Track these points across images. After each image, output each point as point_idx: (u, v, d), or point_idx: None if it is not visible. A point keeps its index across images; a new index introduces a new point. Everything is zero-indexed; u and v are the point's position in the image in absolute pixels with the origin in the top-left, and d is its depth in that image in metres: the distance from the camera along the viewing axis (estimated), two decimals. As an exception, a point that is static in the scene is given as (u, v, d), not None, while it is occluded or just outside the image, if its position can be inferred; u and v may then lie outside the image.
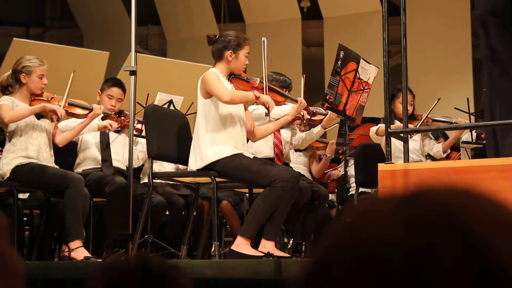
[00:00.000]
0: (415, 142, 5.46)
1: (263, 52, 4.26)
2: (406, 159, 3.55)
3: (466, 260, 0.58)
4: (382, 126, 5.18)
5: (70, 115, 4.64)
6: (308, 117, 4.74)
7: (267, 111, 4.05)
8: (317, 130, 4.98)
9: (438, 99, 5.37)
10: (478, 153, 5.79)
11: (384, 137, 5.15)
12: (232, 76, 4.16)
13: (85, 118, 4.61)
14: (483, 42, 3.30)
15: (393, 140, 3.55)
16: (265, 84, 4.23)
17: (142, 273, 1.22)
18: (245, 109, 4.25)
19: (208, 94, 4.05)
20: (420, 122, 5.39)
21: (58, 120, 4.55)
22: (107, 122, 4.78)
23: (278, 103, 4.45)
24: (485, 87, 3.30)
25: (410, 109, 5.43)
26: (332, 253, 0.61)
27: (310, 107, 4.78)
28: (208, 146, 4.04)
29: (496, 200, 0.63)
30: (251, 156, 4.15)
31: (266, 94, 4.17)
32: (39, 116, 4.49)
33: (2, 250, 0.88)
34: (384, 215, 0.61)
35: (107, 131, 4.87)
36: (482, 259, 0.58)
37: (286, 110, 4.54)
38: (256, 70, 4.41)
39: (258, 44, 4.36)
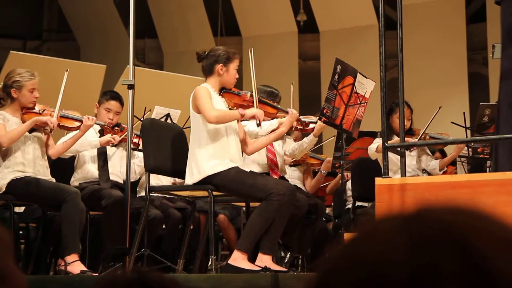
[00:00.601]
0: (411, 157, 5.46)
1: (251, 63, 4.31)
2: (403, 173, 3.56)
3: (467, 279, 0.58)
4: (381, 143, 5.15)
5: (62, 128, 4.61)
6: (301, 127, 4.75)
7: (258, 123, 4.10)
8: (309, 139, 4.98)
9: (439, 108, 5.36)
10: (474, 167, 5.80)
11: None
12: (223, 91, 4.20)
13: (78, 131, 4.59)
14: (505, 54, 3.28)
15: (390, 154, 3.55)
16: (255, 97, 4.26)
17: (141, 289, 1.22)
18: (238, 121, 4.27)
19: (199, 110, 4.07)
20: (419, 136, 5.39)
21: (51, 131, 4.52)
22: (109, 136, 4.76)
23: (270, 115, 4.48)
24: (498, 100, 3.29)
25: (408, 123, 5.43)
26: (335, 271, 0.61)
27: (302, 118, 4.81)
28: (204, 160, 4.04)
29: (499, 219, 0.64)
30: (248, 170, 4.15)
31: (256, 107, 4.21)
32: (31, 129, 4.47)
33: (6, 266, 0.88)
34: (388, 233, 0.61)
35: (111, 145, 4.85)
36: (484, 277, 0.58)
37: (273, 125, 4.55)
38: (247, 83, 4.43)
39: (254, 55, 4.40)
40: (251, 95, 4.27)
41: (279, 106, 4.60)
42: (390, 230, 0.61)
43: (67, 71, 4.63)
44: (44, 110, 4.49)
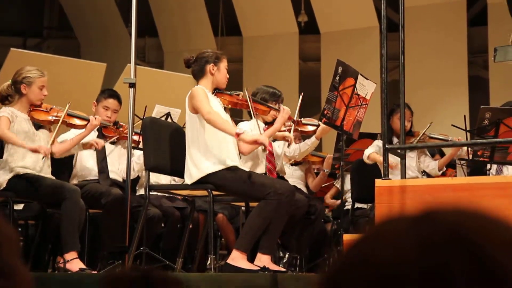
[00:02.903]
0: (411, 158, 5.46)
1: (249, 102, 4.34)
2: (403, 175, 3.57)
3: (477, 279, 0.59)
4: (373, 152, 5.24)
5: (69, 125, 4.64)
6: (292, 124, 4.77)
7: (263, 148, 4.18)
8: (311, 141, 4.99)
9: (430, 123, 5.43)
10: (474, 170, 5.80)
11: (372, 163, 5.22)
12: (216, 91, 4.22)
13: (83, 130, 4.61)
14: None
15: (390, 155, 3.56)
16: (250, 102, 4.30)
17: (145, 287, 1.22)
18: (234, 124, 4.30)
19: (196, 110, 4.08)
20: (417, 139, 5.40)
21: (95, 149, 4.67)
22: (93, 140, 4.71)
23: (263, 113, 4.52)
24: None
25: (408, 125, 5.44)
26: (345, 271, 0.62)
27: (303, 120, 4.83)
28: (203, 160, 4.05)
29: (503, 220, 0.65)
30: (247, 169, 4.16)
31: (251, 108, 4.29)
32: (37, 126, 4.49)
33: (12, 263, 0.89)
34: (397, 234, 0.62)
35: (93, 148, 4.76)
36: (490, 275, 0.59)
37: (252, 129, 4.58)
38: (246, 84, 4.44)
39: (255, 56, 4.41)
40: (243, 97, 4.32)
41: (271, 105, 4.61)
42: (399, 231, 0.62)
43: (69, 103, 4.59)
44: (51, 109, 4.51)
